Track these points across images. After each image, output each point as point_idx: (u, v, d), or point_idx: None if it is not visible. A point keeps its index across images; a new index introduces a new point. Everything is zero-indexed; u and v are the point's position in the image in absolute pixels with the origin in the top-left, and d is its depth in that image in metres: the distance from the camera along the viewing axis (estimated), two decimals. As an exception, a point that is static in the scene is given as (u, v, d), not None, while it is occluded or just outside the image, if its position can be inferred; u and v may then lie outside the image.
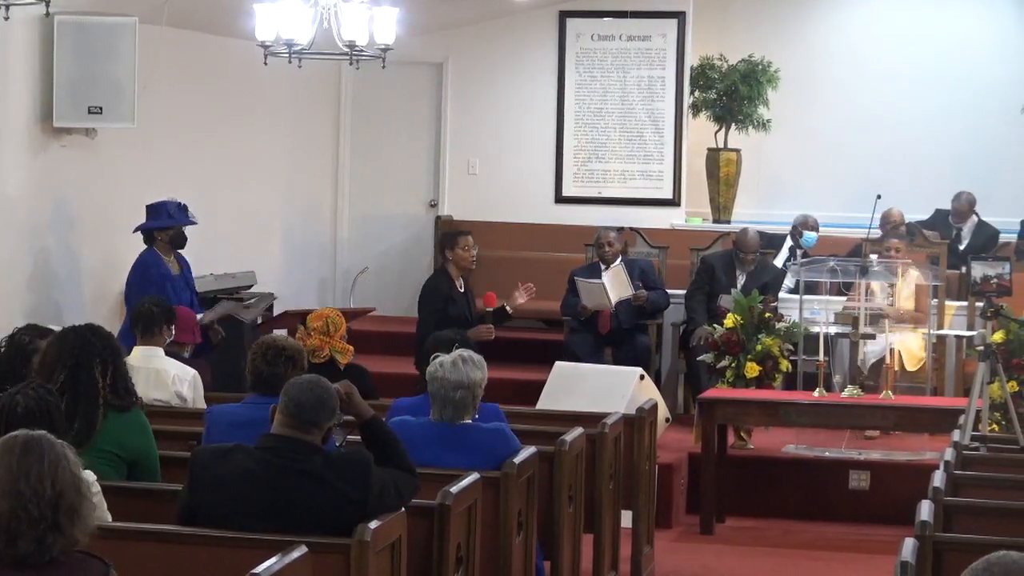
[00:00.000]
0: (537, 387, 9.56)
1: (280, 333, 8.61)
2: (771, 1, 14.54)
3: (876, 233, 11.85)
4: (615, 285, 10.85)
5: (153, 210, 9.80)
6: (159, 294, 8.70)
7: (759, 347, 9.98)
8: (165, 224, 9.73)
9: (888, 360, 9.88)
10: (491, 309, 9.86)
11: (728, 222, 13.78)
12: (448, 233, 10.34)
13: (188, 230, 9.91)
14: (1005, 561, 3.00)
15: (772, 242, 12.19)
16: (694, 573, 8.61)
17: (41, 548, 3.42)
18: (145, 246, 9.76)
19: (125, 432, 5.53)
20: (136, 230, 9.80)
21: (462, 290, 10.10)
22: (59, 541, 3.43)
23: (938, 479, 5.85)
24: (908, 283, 10.63)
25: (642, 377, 9.27)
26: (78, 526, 3.47)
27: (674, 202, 13.96)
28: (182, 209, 9.82)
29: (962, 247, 12.51)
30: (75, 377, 5.42)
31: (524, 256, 12.79)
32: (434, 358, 6.12)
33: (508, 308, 10.17)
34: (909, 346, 10.59)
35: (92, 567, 3.50)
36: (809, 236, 12.03)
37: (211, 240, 11.82)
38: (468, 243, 10.14)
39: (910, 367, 10.59)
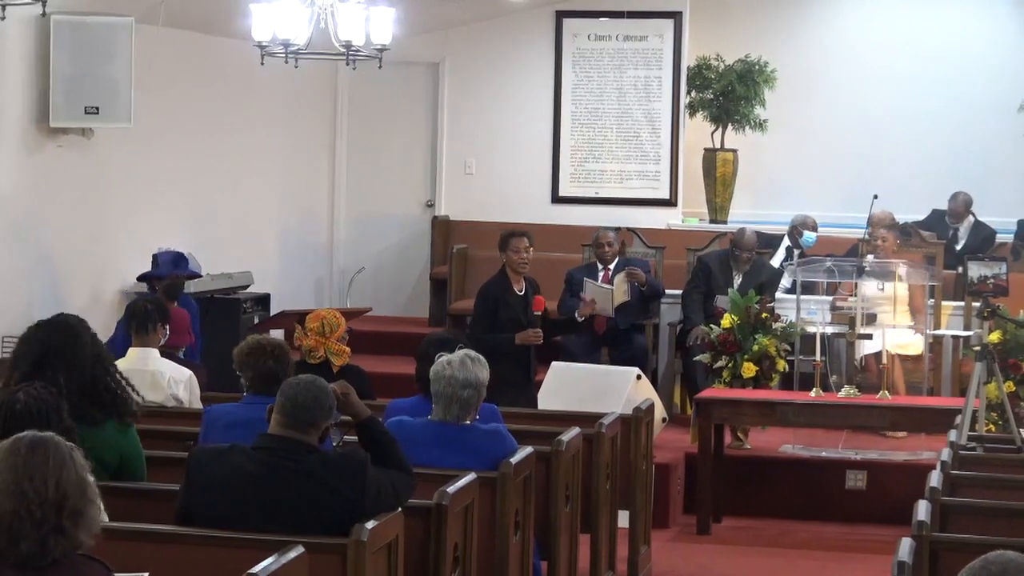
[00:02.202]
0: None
1: (276, 334, 8.61)
2: (768, 1, 14.54)
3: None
4: (620, 293, 10.85)
5: (152, 261, 9.73)
6: None
7: (756, 347, 9.97)
8: (153, 274, 9.62)
9: (885, 360, 9.87)
10: (539, 313, 9.64)
11: (725, 222, 13.78)
12: (503, 234, 10.08)
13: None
14: (1002, 560, 3.00)
15: (769, 242, 12.19)
16: (691, 573, 8.61)
17: (43, 550, 3.40)
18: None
19: (101, 448, 5.28)
20: (139, 279, 9.72)
21: (521, 292, 9.77)
22: (62, 543, 3.42)
23: (935, 479, 5.85)
24: (901, 279, 10.58)
25: (639, 377, 9.27)
26: (82, 529, 3.45)
27: (671, 202, 13.97)
28: (180, 259, 9.65)
29: (959, 247, 12.51)
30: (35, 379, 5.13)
31: (521, 256, 12.77)
32: (439, 357, 6.12)
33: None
34: (904, 343, 10.58)
35: (94, 570, 3.49)
36: (809, 236, 12.03)
37: (207, 240, 11.83)
38: (518, 245, 9.78)
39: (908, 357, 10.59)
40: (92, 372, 5.39)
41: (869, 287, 10.49)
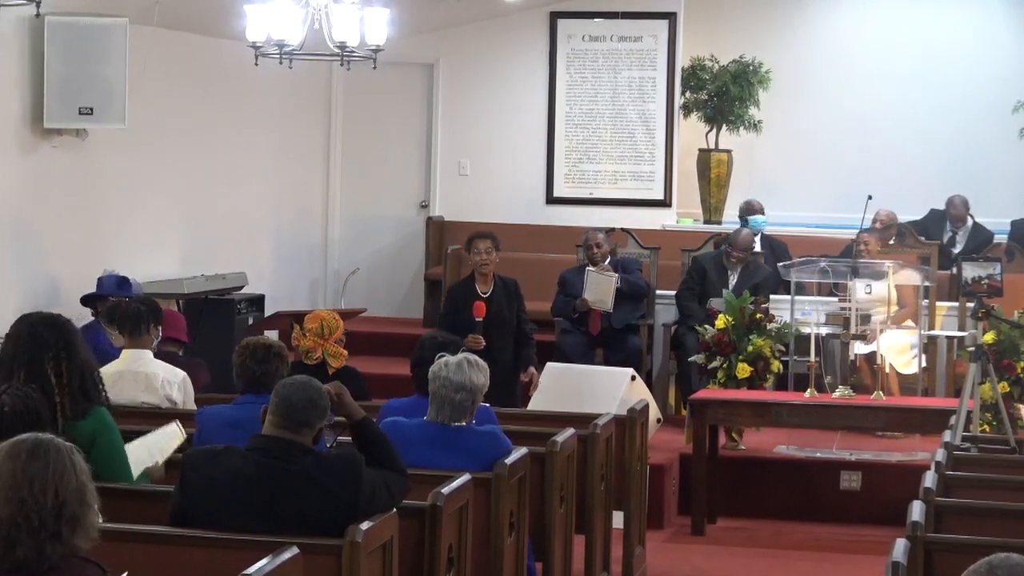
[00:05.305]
0: (528, 388, 9.57)
1: (271, 335, 8.60)
2: (762, 2, 14.56)
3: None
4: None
5: (97, 283, 9.58)
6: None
7: (750, 348, 9.98)
8: (95, 294, 9.46)
9: (880, 360, 9.88)
10: (480, 319, 9.69)
11: (719, 223, 13.79)
12: (468, 236, 10.19)
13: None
14: (1008, 564, 3.00)
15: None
16: (685, 574, 8.62)
17: (40, 556, 3.38)
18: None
19: (84, 440, 5.11)
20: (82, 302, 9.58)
21: (485, 295, 9.80)
22: (58, 549, 3.39)
23: (929, 479, 5.85)
24: (892, 281, 10.58)
25: (633, 378, 9.26)
26: (79, 535, 3.42)
27: (665, 203, 13.97)
28: (123, 282, 9.49)
29: (956, 250, 12.50)
30: (30, 376, 5.14)
31: (515, 257, 12.74)
32: (439, 357, 6.12)
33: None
34: (899, 344, 10.59)
35: (90, 573, 3.47)
36: (757, 220, 12.08)
37: (202, 241, 11.83)
38: (478, 247, 9.90)
39: (901, 368, 10.59)
40: (88, 362, 5.37)
41: (857, 290, 10.50)
